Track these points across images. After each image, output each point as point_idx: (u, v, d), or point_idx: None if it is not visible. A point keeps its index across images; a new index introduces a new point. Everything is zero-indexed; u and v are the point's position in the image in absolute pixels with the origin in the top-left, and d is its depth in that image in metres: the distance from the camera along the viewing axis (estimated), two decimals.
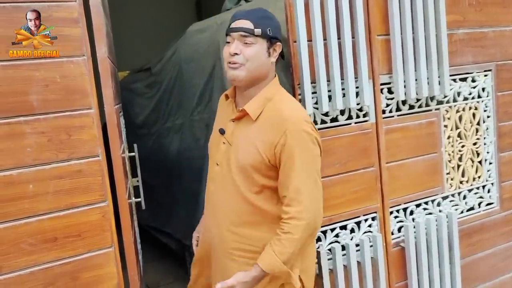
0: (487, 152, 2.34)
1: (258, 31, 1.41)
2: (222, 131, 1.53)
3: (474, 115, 2.29)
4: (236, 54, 1.41)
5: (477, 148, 2.31)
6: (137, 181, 2.01)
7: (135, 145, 1.97)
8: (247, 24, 1.42)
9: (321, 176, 1.45)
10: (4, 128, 1.33)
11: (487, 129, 2.33)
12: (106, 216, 1.47)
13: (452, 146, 2.24)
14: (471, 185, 2.31)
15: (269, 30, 1.43)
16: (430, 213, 2.20)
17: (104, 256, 1.47)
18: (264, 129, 1.42)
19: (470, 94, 2.26)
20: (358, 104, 1.95)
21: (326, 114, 1.92)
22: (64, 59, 1.40)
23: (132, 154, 1.96)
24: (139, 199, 1.95)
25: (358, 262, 2.00)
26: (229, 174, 1.47)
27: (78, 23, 1.40)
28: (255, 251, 1.46)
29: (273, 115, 1.43)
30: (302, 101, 1.84)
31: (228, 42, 1.45)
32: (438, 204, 2.22)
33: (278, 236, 1.39)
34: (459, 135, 2.26)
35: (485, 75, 2.29)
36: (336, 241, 1.99)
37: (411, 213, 2.16)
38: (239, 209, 1.47)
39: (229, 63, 1.43)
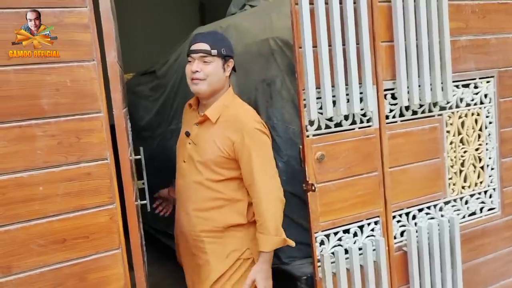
0: (489, 158, 2.36)
1: (214, 51, 1.74)
2: (187, 134, 1.85)
3: (476, 121, 2.31)
4: (197, 71, 1.73)
5: (479, 153, 2.33)
6: (143, 183, 2.03)
7: (141, 148, 2.00)
8: (205, 46, 1.74)
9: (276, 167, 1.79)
10: (15, 130, 1.36)
11: (489, 135, 2.35)
12: (114, 218, 1.49)
13: (455, 151, 2.26)
14: (473, 190, 2.33)
15: (223, 50, 1.76)
16: (432, 218, 2.22)
17: (111, 258, 1.49)
18: (223, 129, 1.74)
19: (472, 100, 2.28)
20: (362, 109, 1.97)
21: (330, 119, 1.95)
22: (75, 64, 1.42)
23: (138, 157, 1.98)
24: (144, 202, 1.97)
25: (361, 266, 2.02)
26: (194, 168, 1.78)
27: (88, 29, 1.43)
28: (217, 230, 1.78)
29: (230, 118, 1.75)
30: (306, 106, 1.86)
31: (189, 61, 1.77)
32: (440, 209, 2.24)
33: (258, 222, 1.73)
34: (461, 141, 2.28)
35: (488, 82, 2.32)
36: (339, 245, 2.01)
37: (414, 217, 2.18)
38: (203, 196, 1.77)
39: (192, 79, 1.75)
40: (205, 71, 1.73)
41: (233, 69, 1.85)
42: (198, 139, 1.80)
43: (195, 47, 1.76)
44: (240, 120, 1.73)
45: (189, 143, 1.83)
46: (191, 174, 1.80)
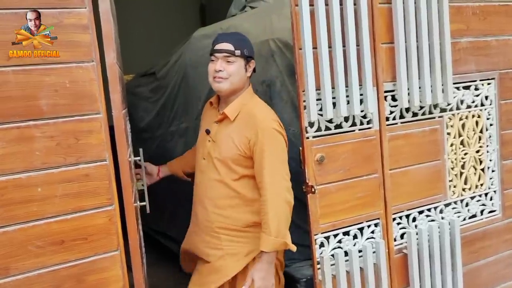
0: (490, 160, 2.35)
1: (238, 52, 1.77)
2: (208, 131, 1.88)
3: (477, 123, 2.31)
4: (221, 70, 1.76)
5: (479, 155, 2.32)
6: (142, 185, 2.03)
7: (140, 150, 1.99)
8: (228, 46, 1.77)
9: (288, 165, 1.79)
10: (14, 132, 1.35)
11: (490, 137, 2.34)
12: (112, 220, 1.48)
13: (455, 153, 2.25)
14: (474, 192, 2.32)
15: (245, 50, 1.79)
16: (432, 220, 2.21)
17: (110, 259, 1.49)
18: (241, 127, 1.78)
19: (473, 102, 2.28)
20: (362, 111, 1.97)
21: (330, 121, 1.94)
22: (74, 65, 1.42)
23: (138, 158, 1.98)
24: (143, 203, 1.97)
25: (361, 268, 2.01)
26: (212, 165, 1.82)
27: (88, 29, 1.43)
28: (236, 229, 1.81)
29: (247, 116, 1.78)
30: (306, 107, 1.86)
31: (212, 60, 1.80)
32: (441, 211, 2.23)
33: (262, 221, 1.73)
34: (462, 143, 2.27)
35: (488, 84, 2.31)
36: (339, 247, 2.00)
37: (414, 220, 2.17)
38: (221, 193, 1.81)
39: (214, 77, 1.78)
40: (228, 70, 1.76)
41: (253, 70, 1.87)
42: (217, 136, 1.83)
43: (219, 46, 1.78)
44: (256, 118, 1.76)
45: (209, 140, 1.86)
46: (209, 172, 1.83)
